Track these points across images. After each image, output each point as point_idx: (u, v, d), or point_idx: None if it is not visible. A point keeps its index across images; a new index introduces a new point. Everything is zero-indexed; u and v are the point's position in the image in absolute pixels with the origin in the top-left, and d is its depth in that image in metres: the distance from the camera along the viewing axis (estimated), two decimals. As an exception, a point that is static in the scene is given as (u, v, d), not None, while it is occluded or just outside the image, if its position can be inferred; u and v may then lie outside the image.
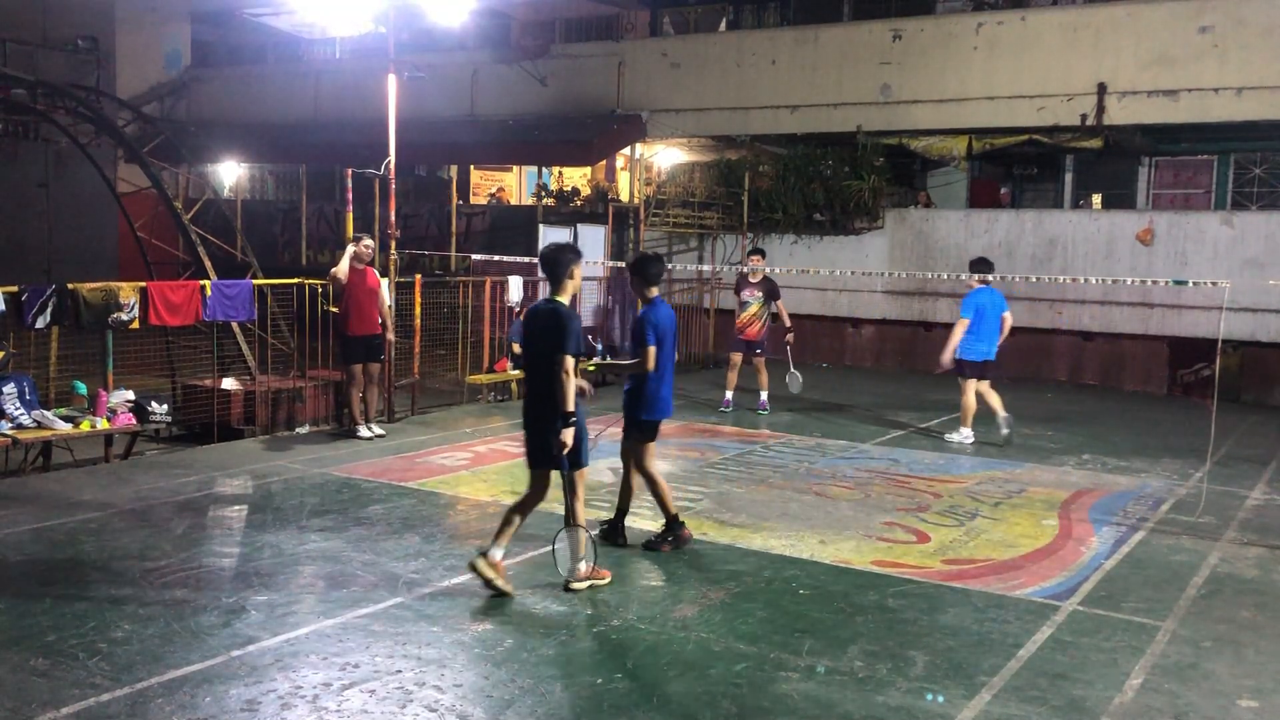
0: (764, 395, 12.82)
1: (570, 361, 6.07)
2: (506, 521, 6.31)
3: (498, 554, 6.19)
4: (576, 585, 6.26)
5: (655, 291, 7.24)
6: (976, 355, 11.14)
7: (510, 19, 22.22)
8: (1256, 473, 10.26)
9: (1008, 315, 11.31)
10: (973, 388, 11.25)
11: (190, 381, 11.43)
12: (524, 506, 6.39)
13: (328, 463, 9.51)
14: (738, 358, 12.81)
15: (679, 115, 19.18)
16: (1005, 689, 5.11)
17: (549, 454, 6.17)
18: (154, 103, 24.10)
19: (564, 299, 6.29)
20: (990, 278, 11.36)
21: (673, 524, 7.23)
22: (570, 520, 6.32)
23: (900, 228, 17.91)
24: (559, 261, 6.31)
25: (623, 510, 7.40)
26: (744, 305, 12.62)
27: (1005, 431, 11.13)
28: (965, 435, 11.31)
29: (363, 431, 10.64)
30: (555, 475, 6.34)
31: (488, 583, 6.14)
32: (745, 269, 12.83)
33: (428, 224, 21.06)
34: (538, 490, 6.38)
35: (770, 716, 4.76)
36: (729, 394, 12.90)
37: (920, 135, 17.52)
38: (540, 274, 7.03)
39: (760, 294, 12.57)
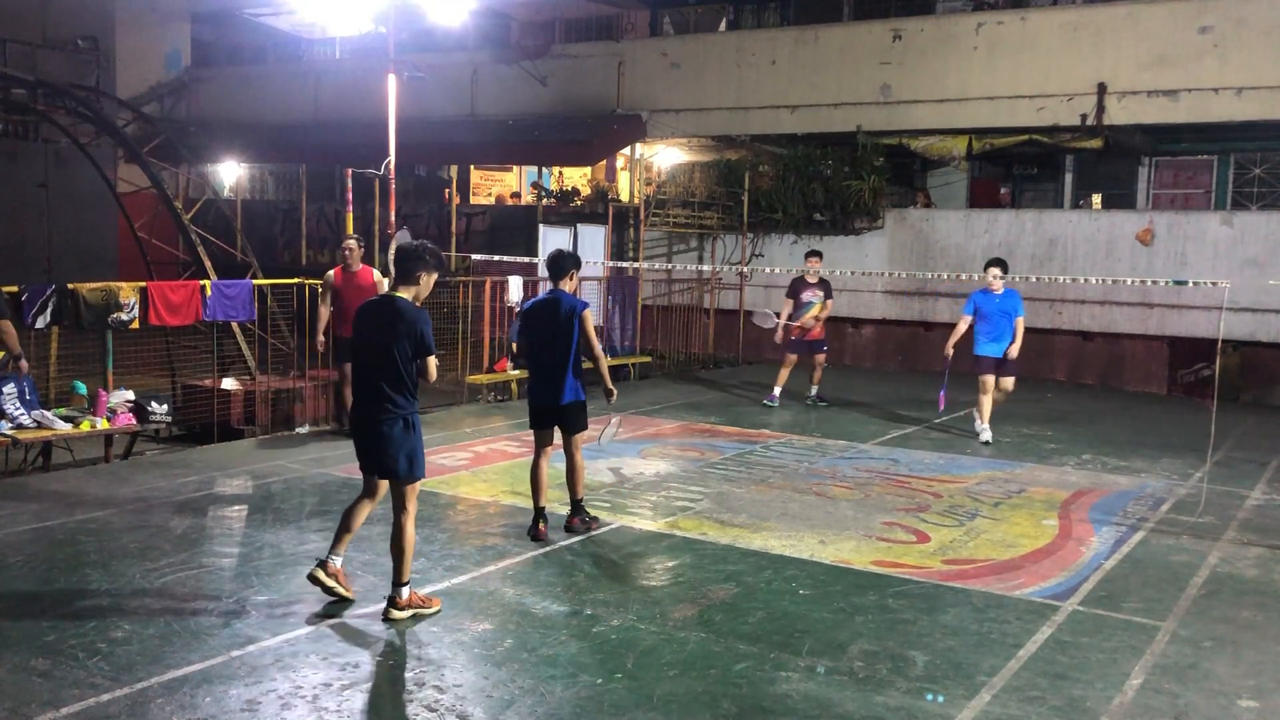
0: (815, 390, 13.44)
1: (434, 361, 5.83)
2: (344, 528, 6.01)
3: (337, 561, 5.95)
4: (397, 614, 5.76)
5: (567, 285, 7.44)
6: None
7: (510, 19, 22.19)
8: (1256, 473, 10.25)
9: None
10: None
11: (190, 381, 11.44)
12: (358, 510, 6.04)
13: (328, 463, 9.51)
14: (794, 358, 13.23)
15: (679, 115, 19.17)
16: (1005, 689, 5.11)
17: (389, 460, 5.79)
18: (154, 103, 24.08)
19: (406, 295, 5.85)
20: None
21: (539, 514, 7.36)
22: (398, 542, 5.83)
23: (900, 228, 17.90)
24: (410, 258, 5.88)
25: (573, 498, 7.54)
26: (806, 306, 13.00)
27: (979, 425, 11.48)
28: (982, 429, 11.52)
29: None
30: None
31: (328, 590, 5.92)
32: (802, 271, 13.27)
33: (428, 224, 21.07)
34: (372, 493, 6.02)
35: (770, 716, 4.76)
36: (778, 390, 13.26)
37: (920, 135, 17.51)
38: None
39: (821, 294, 13.05)
